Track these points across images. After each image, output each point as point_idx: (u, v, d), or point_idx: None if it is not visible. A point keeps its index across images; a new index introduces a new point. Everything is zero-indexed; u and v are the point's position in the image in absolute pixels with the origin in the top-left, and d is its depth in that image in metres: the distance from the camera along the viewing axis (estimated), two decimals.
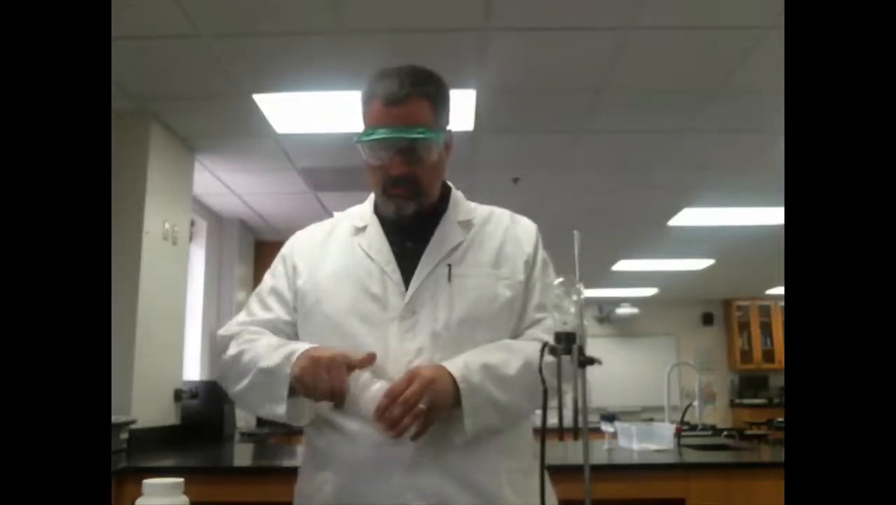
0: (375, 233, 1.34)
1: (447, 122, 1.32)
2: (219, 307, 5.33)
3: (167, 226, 3.65)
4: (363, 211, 1.40)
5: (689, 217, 5.41)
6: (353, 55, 2.88)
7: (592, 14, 2.62)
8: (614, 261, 7.17)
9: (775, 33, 2.72)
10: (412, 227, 1.32)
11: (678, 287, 8.69)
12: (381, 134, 1.24)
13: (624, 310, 9.57)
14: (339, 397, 1.17)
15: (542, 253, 1.37)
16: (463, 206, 1.39)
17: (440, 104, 1.30)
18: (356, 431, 1.21)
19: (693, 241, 6.19)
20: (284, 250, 1.42)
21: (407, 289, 1.27)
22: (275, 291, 1.37)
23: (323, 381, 1.16)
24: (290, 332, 1.35)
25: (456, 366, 1.19)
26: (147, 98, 3.32)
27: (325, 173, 4.37)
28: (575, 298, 0.95)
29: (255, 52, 2.87)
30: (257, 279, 6.45)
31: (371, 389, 1.17)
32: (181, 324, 3.91)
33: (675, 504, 2.67)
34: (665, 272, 7.74)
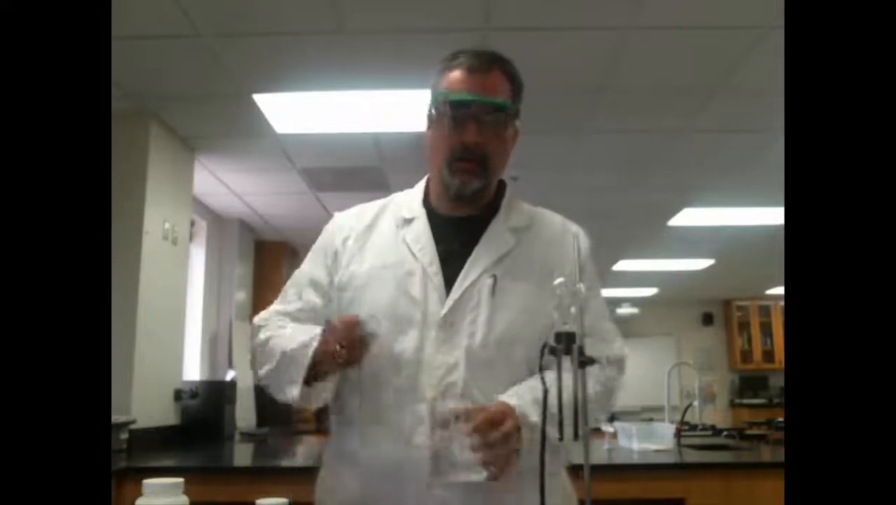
0: (422, 228, 1.29)
1: (519, 108, 1.30)
2: (219, 307, 5.33)
3: (167, 226, 3.65)
4: (412, 201, 1.35)
5: (689, 217, 5.41)
6: (353, 55, 2.88)
7: (592, 14, 2.62)
8: (614, 261, 7.16)
9: (775, 33, 2.72)
10: (461, 226, 1.29)
11: (678, 287, 8.69)
12: (466, 95, 1.22)
13: (624, 310, 9.57)
14: (353, 351, 1.16)
15: (591, 267, 1.32)
16: (516, 208, 1.35)
17: (517, 87, 1.29)
18: (387, 439, 1.21)
19: (693, 241, 6.19)
20: (328, 239, 1.37)
21: (448, 295, 1.23)
22: (313, 282, 1.34)
23: (337, 336, 1.16)
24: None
25: (514, 403, 1.16)
26: (147, 98, 3.32)
27: (325, 173, 4.37)
28: (575, 298, 0.95)
29: (255, 52, 2.87)
30: (257, 279, 6.41)
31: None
32: (181, 324, 3.91)
33: (675, 504, 2.67)
34: (665, 272, 7.74)
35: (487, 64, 1.25)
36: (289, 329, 1.28)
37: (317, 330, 1.23)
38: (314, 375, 1.21)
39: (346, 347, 1.15)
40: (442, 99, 1.24)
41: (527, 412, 1.13)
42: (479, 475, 1.11)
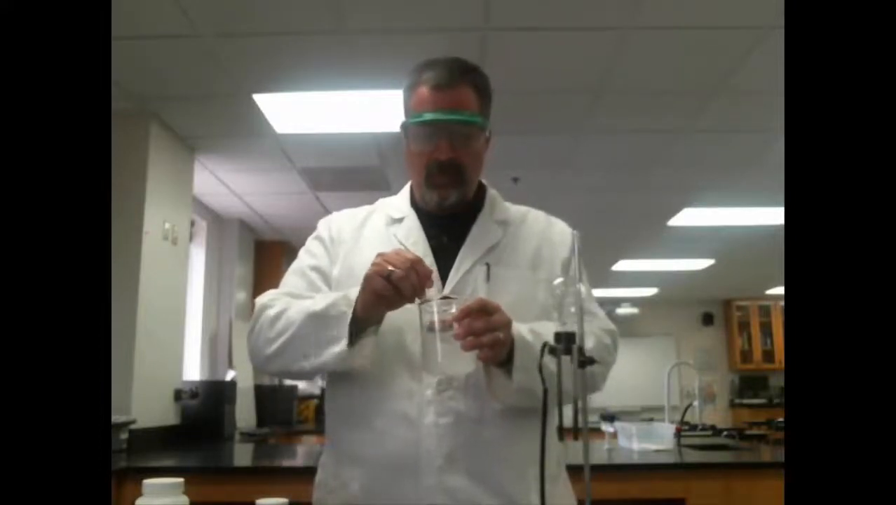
0: (412, 225, 1.32)
1: (488, 116, 1.32)
2: (219, 307, 5.33)
3: (167, 226, 3.65)
4: (399, 202, 1.38)
5: (689, 217, 5.41)
6: (353, 55, 2.88)
7: (592, 14, 2.62)
8: (614, 261, 7.17)
9: (775, 33, 2.72)
10: (449, 223, 1.31)
11: (678, 287, 8.69)
12: (432, 116, 1.23)
13: (624, 310, 9.58)
14: (425, 281, 1.11)
15: (578, 257, 1.36)
16: (499, 204, 1.38)
17: (485, 96, 1.30)
18: (388, 431, 1.20)
19: (693, 241, 6.19)
20: (322, 232, 1.38)
21: (444, 286, 1.24)
22: (317, 270, 1.33)
23: (406, 261, 1.10)
24: None
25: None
26: (147, 98, 3.32)
27: (325, 173, 4.37)
28: (574, 298, 0.95)
29: (255, 52, 2.87)
30: (257, 279, 6.41)
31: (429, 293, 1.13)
32: (181, 324, 3.91)
33: (675, 504, 2.67)
34: (665, 272, 7.75)
35: (453, 79, 1.25)
36: (308, 300, 1.24)
37: (344, 291, 1.19)
38: (353, 332, 1.16)
39: (404, 273, 1.09)
40: (412, 120, 1.26)
41: (521, 329, 1.15)
42: (467, 367, 1.12)
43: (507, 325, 1.13)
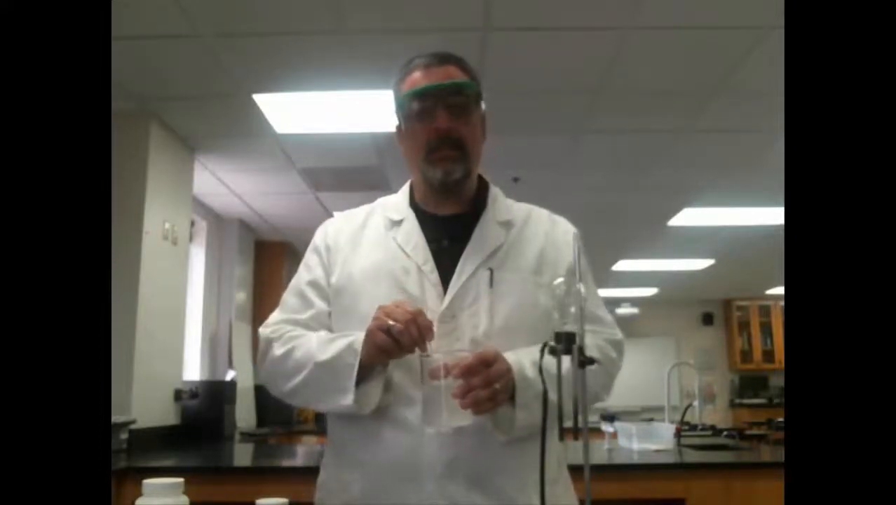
0: (412, 228, 1.30)
1: (481, 97, 1.33)
2: (219, 307, 5.33)
3: (167, 226, 3.65)
4: (398, 203, 1.36)
5: (689, 217, 5.41)
6: (353, 55, 2.88)
7: (592, 14, 2.62)
8: (614, 261, 7.17)
9: (775, 33, 2.72)
10: (450, 224, 1.30)
11: (678, 287, 8.69)
12: (427, 83, 1.25)
13: (624, 310, 9.57)
14: (426, 333, 1.12)
15: (583, 259, 1.35)
16: (502, 204, 1.36)
17: (474, 79, 1.31)
18: (389, 437, 1.19)
19: (693, 241, 6.19)
20: (317, 241, 1.37)
21: (445, 291, 1.23)
22: (313, 284, 1.32)
23: (407, 315, 1.11)
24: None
25: (511, 359, 1.16)
26: (147, 98, 3.32)
27: (325, 173, 4.37)
28: (575, 298, 0.95)
29: (255, 52, 2.87)
30: (257, 279, 6.41)
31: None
32: (181, 324, 3.91)
33: (675, 504, 2.67)
34: (665, 272, 7.75)
35: (442, 60, 1.29)
36: (313, 338, 1.25)
37: (350, 336, 1.20)
38: (360, 377, 1.18)
39: (404, 326, 1.11)
40: (409, 92, 1.27)
41: (523, 365, 1.15)
42: (467, 419, 1.11)
43: (505, 373, 1.12)
